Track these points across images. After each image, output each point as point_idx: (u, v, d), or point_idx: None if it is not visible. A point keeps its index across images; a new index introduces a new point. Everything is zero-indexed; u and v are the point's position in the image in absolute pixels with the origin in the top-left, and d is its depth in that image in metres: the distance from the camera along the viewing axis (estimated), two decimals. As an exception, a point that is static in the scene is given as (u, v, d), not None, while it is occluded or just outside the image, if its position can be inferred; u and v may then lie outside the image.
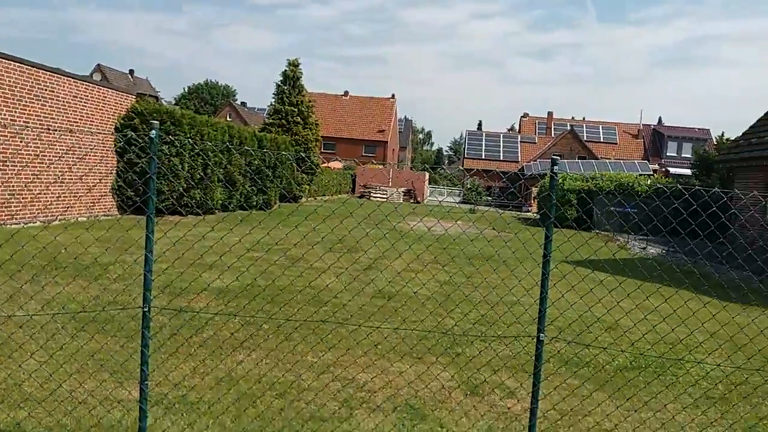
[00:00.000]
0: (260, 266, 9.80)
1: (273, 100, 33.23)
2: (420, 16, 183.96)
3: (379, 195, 41.78)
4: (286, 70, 33.22)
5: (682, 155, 56.39)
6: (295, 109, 32.27)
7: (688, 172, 41.67)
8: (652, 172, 42.84)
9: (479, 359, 6.12)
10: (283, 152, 25.76)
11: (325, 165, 45.55)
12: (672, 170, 49.27)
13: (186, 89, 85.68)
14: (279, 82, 33.15)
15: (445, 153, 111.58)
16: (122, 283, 8.08)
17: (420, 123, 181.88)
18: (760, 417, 5.24)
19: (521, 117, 67.59)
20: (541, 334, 3.27)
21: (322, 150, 57.56)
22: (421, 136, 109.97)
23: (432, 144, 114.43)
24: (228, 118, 65.99)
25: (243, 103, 79.07)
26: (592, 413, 4.95)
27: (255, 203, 23.77)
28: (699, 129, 60.35)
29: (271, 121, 32.45)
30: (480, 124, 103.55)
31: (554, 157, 3.92)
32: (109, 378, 4.86)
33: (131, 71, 74.91)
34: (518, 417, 4.77)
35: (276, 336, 6.40)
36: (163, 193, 16.65)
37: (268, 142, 25.32)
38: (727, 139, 31.18)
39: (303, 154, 30.66)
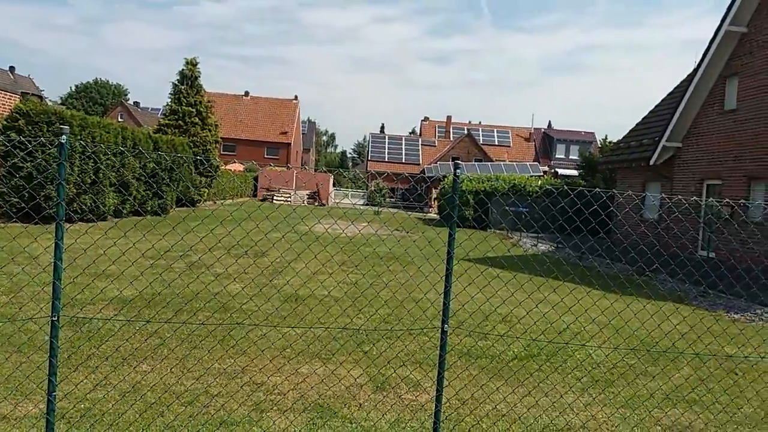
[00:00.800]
0: (167, 275, 9.56)
1: (169, 100, 32.07)
2: (320, 17, 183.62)
3: (282, 198, 41.37)
4: (183, 70, 32.18)
5: (570, 157, 60.16)
6: (193, 110, 31.33)
7: (575, 172, 44.52)
8: (542, 173, 45.38)
9: (387, 355, 6.37)
10: (181, 154, 24.96)
11: (226, 167, 44.52)
12: (561, 171, 52.39)
13: (73, 88, 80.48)
14: (176, 82, 32.06)
15: (349, 155, 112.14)
16: (9, 295, 7.62)
17: (324, 125, 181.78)
18: (635, 393, 5.85)
19: (422, 120, 69.27)
20: (445, 326, 3.54)
21: (222, 152, 56.12)
22: (325, 138, 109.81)
23: (336, 146, 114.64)
24: (119, 119, 62.71)
25: (136, 103, 75.35)
26: (490, 399, 5.33)
27: (150, 208, 22.89)
28: (585, 132, 64.60)
29: (167, 122, 31.29)
30: (383, 127, 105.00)
31: (455, 161, 4.22)
32: (8, 396, 4.64)
33: (11, 68, 69.23)
34: (424, 406, 5.05)
35: (184, 345, 6.33)
36: (52, 199, 15.72)
37: (164, 143, 24.47)
38: (610, 142, 33.69)
39: (201, 156, 29.85)
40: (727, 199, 16.24)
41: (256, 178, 44.00)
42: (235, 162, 47.44)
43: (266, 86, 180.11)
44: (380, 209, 35.32)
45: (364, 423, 4.64)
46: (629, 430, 4.83)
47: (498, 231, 26.71)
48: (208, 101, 32.79)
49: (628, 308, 7.01)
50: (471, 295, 6.97)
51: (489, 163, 51.04)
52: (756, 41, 16.08)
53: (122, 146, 20.40)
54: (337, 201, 48.06)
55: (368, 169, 56.74)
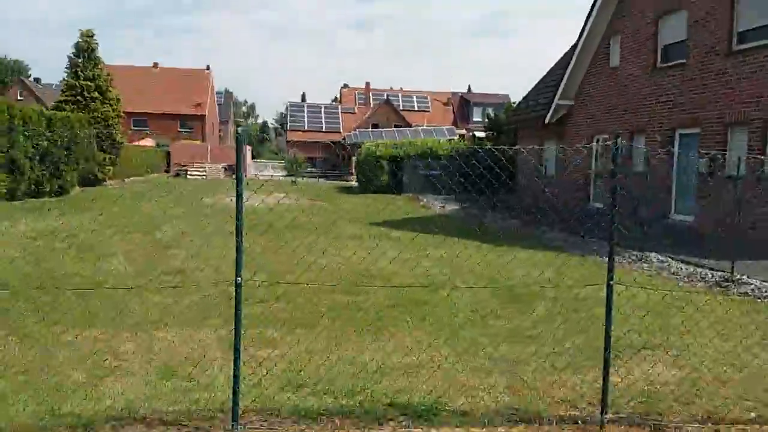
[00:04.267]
0: (48, 254, 9.29)
1: (65, 75, 30.44)
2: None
3: (197, 172, 40.35)
4: (78, 42, 30.53)
5: (487, 120, 61.47)
6: (92, 84, 29.85)
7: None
8: (458, 137, 46.28)
9: (248, 317, 6.47)
10: (77, 131, 23.84)
11: (135, 143, 42.84)
12: (478, 134, 53.46)
13: (-36, 65, 74.82)
14: (72, 55, 30.42)
15: (270, 125, 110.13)
16: None
17: (243, 96, 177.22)
18: (482, 333, 6.24)
19: (341, 88, 68.82)
20: (239, 278, 3.68)
21: (132, 127, 53.88)
22: (244, 109, 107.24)
23: (257, 116, 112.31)
24: (19, 97, 58.96)
25: (36, 80, 70.91)
26: (341, 348, 5.56)
27: (49, 188, 21.85)
28: (500, 95, 65.98)
29: (64, 98, 29.71)
30: (303, 96, 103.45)
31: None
32: None
33: None
34: (271, 359, 5.22)
35: (42, 322, 6.21)
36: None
37: (59, 121, 23.28)
38: (514, 103, 34.62)
39: (102, 132, 28.60)
40: (609, 143, 17.16)
41: (168, 153, 42.63)
42: (136, 139, 45.54)
43: (181, 58, 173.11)
44: (297, 179, 35.13)
45: (204, 380, 4.76)
46: (460, 365, 5.17)
47: (411, 195, 27.22)
48: (108, 74, 31.31)
49: (502, 258, 7.40)
50: (360, 260, 7.18)
51: (408, 129, 51.52)
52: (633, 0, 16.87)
53: (10, 125, 19.30)
54: (256, 173, 47.30)
55: (288, 139, 56.06)
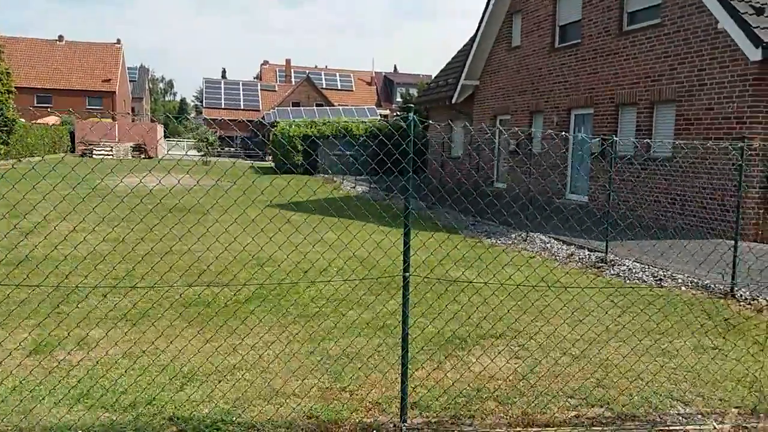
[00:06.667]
0: None
1: (-56, 45, 27.84)
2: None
3: (103, 152, 38.13)
4: (-40, 9, 27.96)
5: (401, 100, 61.31)
6: (-24, 56, 27.48)
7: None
8: (379, 117, 45.88)
9: (82, 314, 5.83)
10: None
11: (38, 121, 39.97)
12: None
13: None
14: (-49, 24, 27.82)
15: (190, 102, 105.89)
16: None
17: (161, 72, 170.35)
18: (334, 327, 5.84)
19: (261, 64, 66.93)
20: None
21: (36, 104, 50.39)
22: (162, 85, 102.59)
23: (175, 94, 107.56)
24: None
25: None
26: (167, 350, 5.02)
27: None
28: (423, 75, 65.94)
29: (-56, 70, 27.24)
30: (224, 72, 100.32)
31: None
32: None
33: None
34: (81, 365, 4.63)
35: None
36: None
37: (-69, 95, 21.21)
38: (427, 83, 34.48)
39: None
40: (516, 129, 17.21)
41: (72, 132, 40.05)
42: (38, 116, 42.51)
43: (96, 30, 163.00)
44: (209, 159, 33.81)
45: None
46: (284, 365, 4.76)
47: (325, 175, 26.66)
48: (-2, 45, 28.92)
49: (392, 241, 7.01)
50: (240, 242, 6.58)
51: (328, 108, 50.65)
52: (534, -21, 16.82)
53: None
54: (169, 153, 45.35)
55: (204, 117, 54.02)
